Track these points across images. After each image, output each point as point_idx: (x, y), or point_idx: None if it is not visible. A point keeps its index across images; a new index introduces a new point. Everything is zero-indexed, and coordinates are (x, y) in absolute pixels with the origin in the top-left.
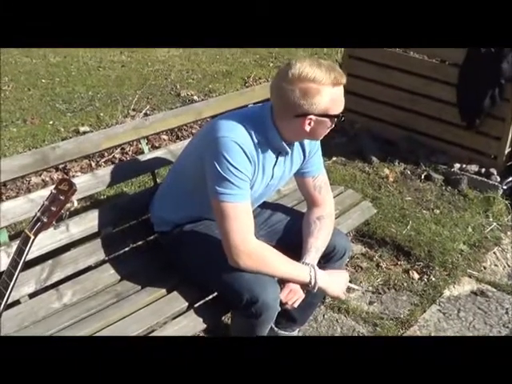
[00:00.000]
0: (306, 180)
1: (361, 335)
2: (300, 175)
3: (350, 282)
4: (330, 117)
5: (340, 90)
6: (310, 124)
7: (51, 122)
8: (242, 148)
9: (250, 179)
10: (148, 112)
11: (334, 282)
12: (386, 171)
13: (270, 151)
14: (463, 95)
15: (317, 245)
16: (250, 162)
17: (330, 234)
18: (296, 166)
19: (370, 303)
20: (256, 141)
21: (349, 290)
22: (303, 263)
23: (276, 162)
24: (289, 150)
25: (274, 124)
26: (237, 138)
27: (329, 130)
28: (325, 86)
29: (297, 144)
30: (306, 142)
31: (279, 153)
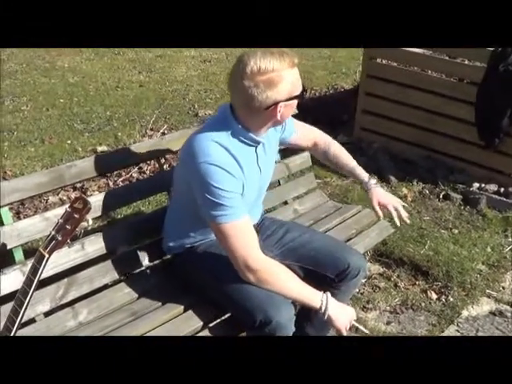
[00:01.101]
0: (293, 139)
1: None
2: (285, 140)
3: (357, 321)
4: (296, 97)
5: (296, 70)
6: (279, 111)
7: (69, 142)
8: (223, 168)
9: (241, 193)
10: (166, 132)
11: (342, 314)
12: (405, 191)
13: (247, 151)
14: (482, 114)
15: (350, 165)
16: (236, 177)
17: (342, 150)
18: (276, 145)
19: (388, 323)
20: (231, 149)
21: (355, 329)
22: (367, 179)
23: (257, 156)
24: (263, 140)
25: (240, 124)
26: (215, 159)
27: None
28: (284, 71)
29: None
30: None
31: (255, 147)
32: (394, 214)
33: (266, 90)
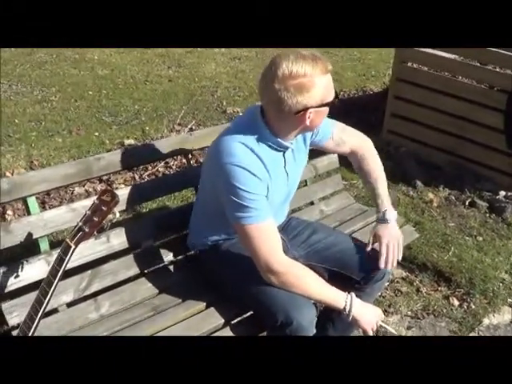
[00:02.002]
0: (328, 143)
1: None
2: (320, 143)
3: (384, 322)
4: (327, 104)
5: (329, 77)
6: (309, 117)
7: (97, 134)
8: (248, 170)
9: (266, 195)
10: (193, 127)
11: (368, 314)
12: (430, 196)
13: (274, 155)
14: (511, 122)
15: (378, 192)
16: (261, 179)
17: (377, 166)
18: (306, 150)
19: (409, 328)
20: (258, 152)
21: (382, 331)
22: (381, 213)
23: (285, 160)
24: (291, 146)
25: (268, 127)
26: (240, 161)
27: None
28: (316, 77)
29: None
30: None
31: (283, 152)
32: (382, 252)
33: (296, 95)
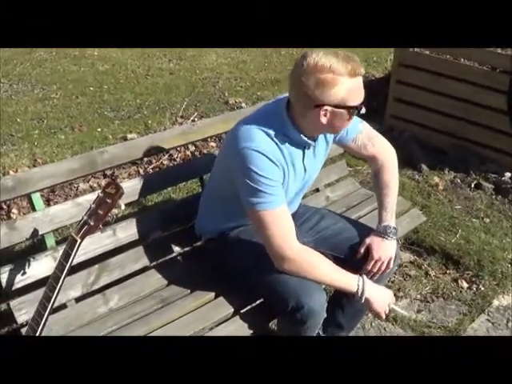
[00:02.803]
0: (349, 145)
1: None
2: (342, 142)
3: (395, 305)
4: (347, 108)
5: (358, 81)
6: (325, 115)
7: (99, 130)
8: (265, 155)
9: (282, 182)
10: (196, 119)
11: (381, 297)
12: (436, 179)
13: (294, 147)
14: None
15: (384, 205)
16: (278, 166)
17: (393, 180)
18: (326, 148)
19: (418, 311)
20: (278, 141)
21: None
22: (382, 226)
23: (304, 154)
24: (312, 143)
25: (291, 120)
26: (259, 146)
27: (349, 123)
28: (341, 77)
29: None
30: None
31: (304, 146)
32: (368, 267)
33: (317, 88)
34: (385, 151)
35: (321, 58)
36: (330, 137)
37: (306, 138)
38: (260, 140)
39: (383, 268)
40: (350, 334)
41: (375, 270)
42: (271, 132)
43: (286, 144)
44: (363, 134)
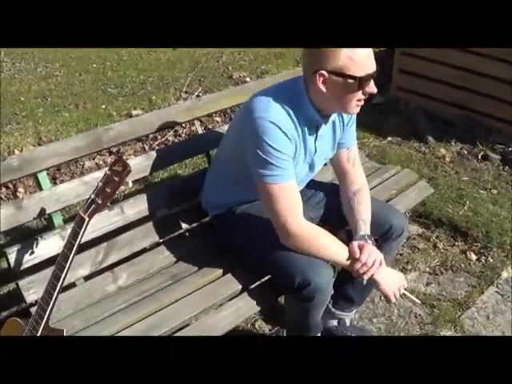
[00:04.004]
0: (341, 151)
1: (418, 316)
2: (339, 144)
3: (407, 290)
4: (346, 76)
5: (364, 51)
6: (324, 83)
7: (103, 107)
8: (279, 128)
9: (293, 157)
10: (200, 94)
11: (388, 278)
12: (443, 151)
13: (308, 125)
14: None
15: (362, 217)
16: (290, 140)
17: (369, 204)
18: (338, 136)
19: (427, 284)
20: (293, 116)
21: (404, 297)
22: (360, 236)
23: (316, 135)
24: (322, 121)
25: (308, 95)
26: (273, 117)
27: (358, 101)
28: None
29: (335, 114)
30: None
31: (317, 126)
32: (362, 258)
33: (317, 53)
34: (364, 176)
35: None
36: (339, 135)
37: (318, 116)
38: (275, 112)
39: (370, 272)
40: (360, 308)
41: (367, 265)
42: (287, 106)
43: (301, 120)
44: (355, 150)
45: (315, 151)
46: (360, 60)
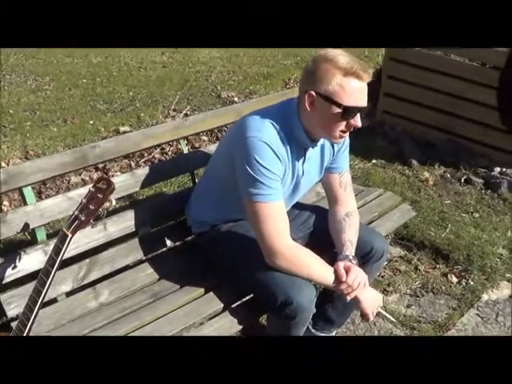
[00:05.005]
0: (333, 176)
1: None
2: (327, 171)
3: (384, 309)
4: (332, 102)
5: (357, 84)
6: (311, 104)
7: (91, 122)
8: (271, 147)
9: (282, 178)
10: (188, 113)
11: (369, 297)
12: (426, 174)
13: (297, 147)
14: (504, 98)
15: (350, 239)
16: (281, 160)
17: (357, 230)
18: (327, 161)
19: (408, 306)
20: (283, 137)
21: (379, 316)
22: (345, 256)
23: (305, 158)
24: (310, 144)
25: (298, 116)
26: (265, 137)
27: (342, 132)
28: (337, 70)
29: (325, 140)
30: None
31: (305, 148)
32: (349, 280)
33: (311, 74)
34: (355, 202)
35: (333, 52)
36: (329, 160)
37: (307, 138)
38: (268, 132)
39: (355, 293)
40: (340, 329)
41: (346, 293)
42: (279, 126)
43: (291, 141)
44: (348, 175)
45: (302, 173)
46: (350, 91)
